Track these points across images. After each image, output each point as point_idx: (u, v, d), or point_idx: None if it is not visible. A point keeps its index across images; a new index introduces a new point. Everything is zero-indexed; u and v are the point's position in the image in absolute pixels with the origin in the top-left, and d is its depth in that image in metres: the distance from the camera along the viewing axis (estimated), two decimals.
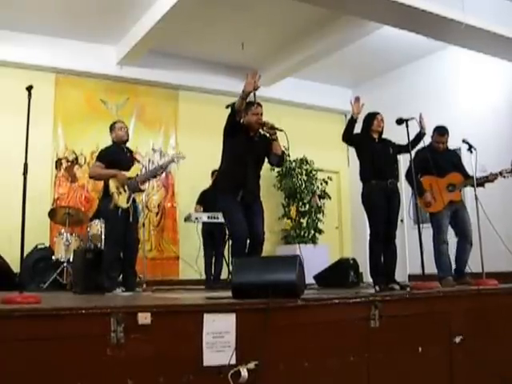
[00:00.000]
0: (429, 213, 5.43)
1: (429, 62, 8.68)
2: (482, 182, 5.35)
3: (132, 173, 5.22)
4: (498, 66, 7.55)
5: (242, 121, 4.56)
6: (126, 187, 5.06)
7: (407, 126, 4.65)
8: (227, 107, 4.51)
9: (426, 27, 6.53)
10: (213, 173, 7.43)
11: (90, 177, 5.70)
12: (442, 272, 5.23)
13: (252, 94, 4.43)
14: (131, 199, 5.07)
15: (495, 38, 6.64)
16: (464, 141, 5.36)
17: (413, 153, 4.83)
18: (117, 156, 5.22)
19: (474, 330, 3.59)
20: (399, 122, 4.68)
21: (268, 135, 4.58)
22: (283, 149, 4.58)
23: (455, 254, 5.36)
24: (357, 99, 4.79)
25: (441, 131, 5.51)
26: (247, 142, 4.53)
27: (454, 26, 6.30)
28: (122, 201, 5.03)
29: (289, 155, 4.56)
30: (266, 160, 4.70)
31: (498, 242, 5.45)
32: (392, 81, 9.31)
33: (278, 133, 4.51)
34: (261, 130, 4.61)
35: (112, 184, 5.04)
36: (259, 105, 4.61)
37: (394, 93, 9.05)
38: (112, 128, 5.38)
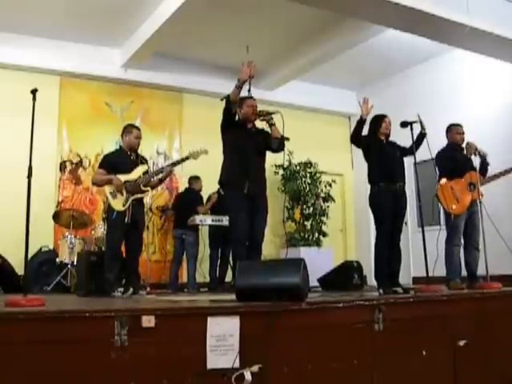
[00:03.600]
0: (453, 215, 5.33)
1: (433, 64, 8.67)
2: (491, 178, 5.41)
3: (133, 174, 5.24)
4: (503, 68, 7.53)
5: (238, 116, 4.65)
6: (123, 191, 5.08)
7: (411, 129, 4.66)
8: (222, 99, 4.57)
9: (430, 30, 6.54)
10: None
11: (92, 184, 5.82)
12: (451, 274, 5.21)
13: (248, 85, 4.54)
14: (129, 202, 5.08)
15: (500, 41, 6.64)
16: (468, 143, 5.37)
17: (418, 154, 4.83)
18: (117, 160, 5.25)
19: (477, 334, 3.58)
20: (403, 124, 4.68)
21: (266, 122, 4.65)
22: (281, 132, 4.62)
23: (464, 258, 5.34)
24: (365, 100, 4.78)
25: (455, 124, 5.55)
26: (245, 132, 4.63)
27: (458, 29, 6.30)
28: (116, 204, 5.06)
29: (288, 139, 4.61)
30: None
31: (502, 244, 5.43)
32: (396, 83, 9.30)
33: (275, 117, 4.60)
34: (258, 121, 4.69)
35: (107, 189, 5.11)
36: (253, 98, 4.74)
37: (398, 95, 9.04)
38: (128, 132, 5.30)
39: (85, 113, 8.03)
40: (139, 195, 5.16)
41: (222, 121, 4.61)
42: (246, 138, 4.59)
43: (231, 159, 4.60)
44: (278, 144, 4.66)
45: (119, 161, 5.23)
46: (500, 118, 7.61)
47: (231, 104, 4.47)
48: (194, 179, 7.69)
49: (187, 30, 7.27)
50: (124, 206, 5.05)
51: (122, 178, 5.11)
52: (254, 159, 4.59)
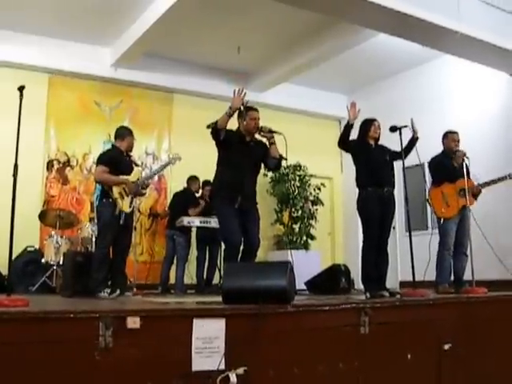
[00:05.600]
0: (442, 219, 5.36)
1: (424, 70, 8.72)
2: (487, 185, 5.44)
3: (132, 177, 5.23)
4: (493, 75, 7.59)
5: (238, 126, 4.56)
6: (128, 192, 5.07)
7: (400, 134, 4.67)
8: (208, 127, 4.41)
9: (421, 35, 6.57)
10: (203, 184, 7.45)
11: (97, 181, 5.47)
12: (440, 278, 5.24)
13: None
14: (133, 203, 5.09)
15: (490, 48, 6.69)
16: (457, 150, 5.40)
17: (407, 158, 4.85)
18: (119, 160, 5.20)
19: (462, 338, 3.60)
20: (393, 129, 4.69)
21: (265, 139, 4.57)
22: (281, 152, 4.56)
23: (452, 263, 5.37)
24: (353, 104, 4.76)
25: (451, 131, 5.58)
26: (243, 147, 4.51)
27: (449, 35, 6.34)
28: (125, 206, 5.05)
29: (286, 159, 4.56)
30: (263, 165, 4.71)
31: (488, 250, 5.47)
32: (387, 88, 9.34)
33: (276, 136, 4.52)
34: (258, 135, 4.59)
35: (115, 190, 5.03)
36: (256, 110, 4.60)
37: (388, 100, 9.08)
38: (129, 134, 5.33)
39: (73, 111, 7.96)
40: (139, 197, 5.19)
41: (216, 145, 4.48)
42: (242, 152, 4.47)
43: (226, 174, 4.47)
44: (275, 164, 4.62)
45: (121, 161, 5.20)
46: (489, 124, 7.66)
47: (218, 131, 4.31)
48: (192, 179, 7.56)
49: (178, 30, 7.25)
50: (130, 207, 5.06)
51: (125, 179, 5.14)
52: (249, 174, 4.52)
